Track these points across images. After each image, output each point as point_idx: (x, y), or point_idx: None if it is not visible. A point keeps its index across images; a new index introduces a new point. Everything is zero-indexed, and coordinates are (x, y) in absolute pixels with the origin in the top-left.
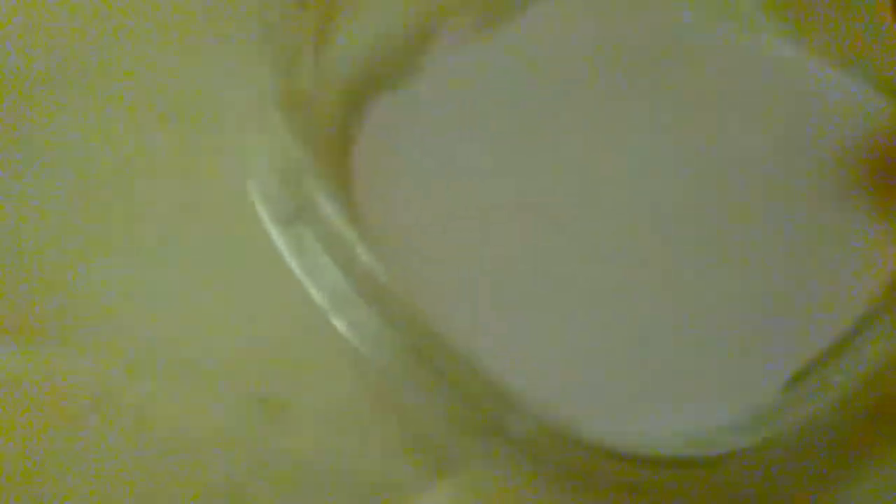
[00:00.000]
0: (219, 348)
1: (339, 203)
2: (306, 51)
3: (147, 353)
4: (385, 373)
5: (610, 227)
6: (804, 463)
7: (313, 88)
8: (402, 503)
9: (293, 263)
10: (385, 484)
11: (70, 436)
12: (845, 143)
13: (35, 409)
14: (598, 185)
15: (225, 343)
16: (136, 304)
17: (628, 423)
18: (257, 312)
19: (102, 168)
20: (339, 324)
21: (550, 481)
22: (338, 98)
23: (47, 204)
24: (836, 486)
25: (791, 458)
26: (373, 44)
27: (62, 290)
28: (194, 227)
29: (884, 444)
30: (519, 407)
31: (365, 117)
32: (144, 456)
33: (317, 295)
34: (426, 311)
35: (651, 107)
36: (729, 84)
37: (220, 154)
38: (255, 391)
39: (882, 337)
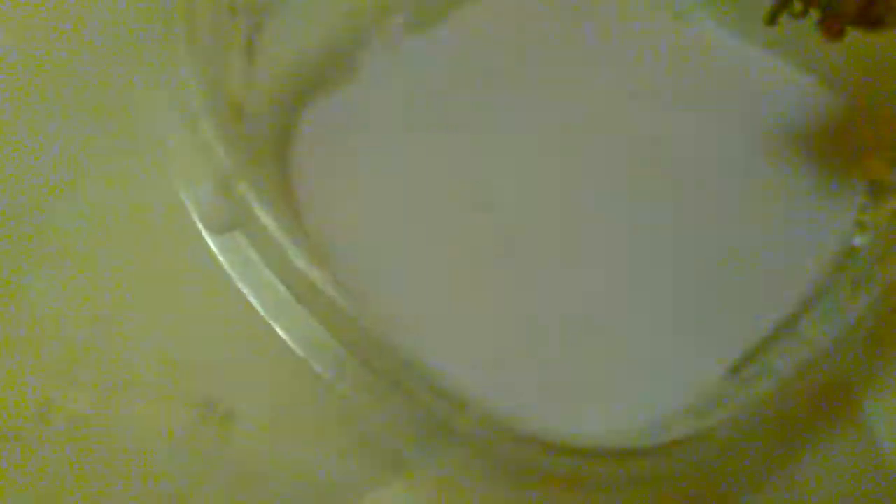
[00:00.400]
0: (159, 358)
1: (274, 209)
2: (237, 56)
3: (86, 365)
4: (329, 377)
5: (549, 218)
6: (749, 447)
7: (245, 94)
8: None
9: (231, 271)
10: (335, 486)
11: (9, 449)
12: (784, 128)
13: None
14: (536, 177)
15: (165, 353)
16: (73, 315)
17: (574, 417)
18: (197, 321)
19: (33, 178)
20: (280, 330)
21: (499, 476)
22: (272, 103)
23: None
24: (780, 468)
25: (736, 443)
26: (305, 47)
27: None
28: (130, 237)
29: (826, 426)
30: (465, 405)
31: (301, 121)
32: (86, 468)
33: (255, 301)
34: (367, 314)
35: (585, 97)
36: (664, 70)
37: (153, 164)
38: (198, 399)
39: (822, 322)
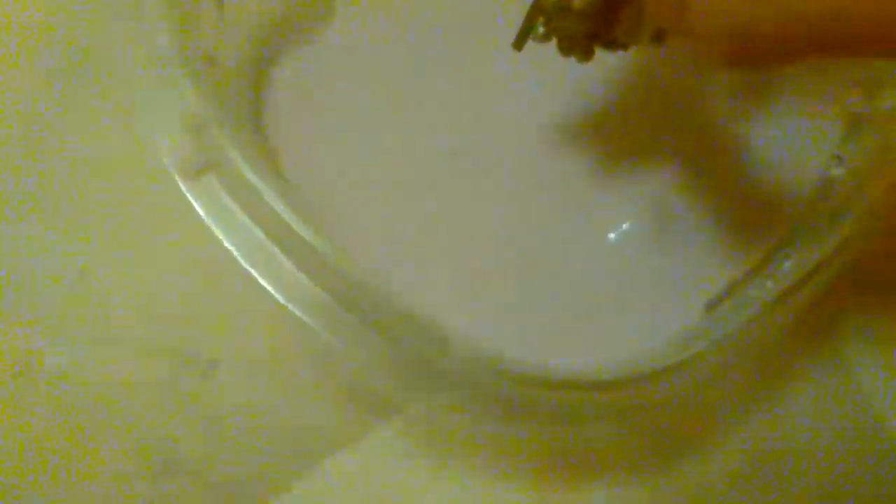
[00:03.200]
0: (139, 309)
1: (248, 154)
2: (207, 6)
3: (66, 319)
4: (309, 321)
5: (527, 161)
6: (728, 377)
7: (216, 42)
8: (342, 449)
9: (206, 217)
10: (321, 432)
11: None
12: None
13: None
14: (514, 120)
15: (145, 303)
16: (51, 269)
17: (556, 352)
18: (175, 270)
19: (3, 132)
20: (258, 275)
21: (486, 413)
22: (245, 51)
23: None
24: (760, 400)
25: (716, 373)
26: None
27: None
28: (105, 187)
29: (804, 358)
30: (448, 343)
31: (274, 69)
32: (68, 420)
33: (232, 247)
34: (345, 257)
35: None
36: None
37: (125, 111)
38: (179, 349)
39: (800, 253)
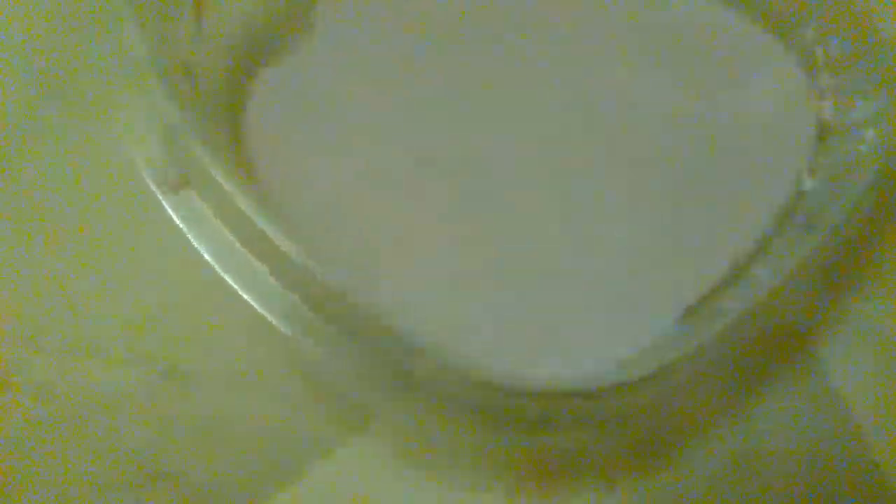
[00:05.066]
0: (119, 320)
1: (226, 165)
2: (185, 15)
3: (47, 331)
4: (287, 331)
5: (502, 169)
6: (703, 388)
7: (195, 53)
8: (321, 458)
9: (184, 228)
10: (300, 441)
11: None
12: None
13: None
14: (495, 130)
15: (125, 315)
16: (31, 282)
17: (531, 360)
18: (155, 281)
19: None
20: (237, 286)
21: (461, 422)
22: (223, 62)
23: None
24: (735, 409)
25: (690, 384)
26: (257, 7)
27: None
28: (83, 199)
29: (779, 367)
30: (424, 352)
31: (253, 81)
32: (50, 433)
33: (211, 258)
34: (322, 266)
35: (545, 54)
36: (623, 27)
37: (103, 123)
38: (160, 360)
39: (774, 264)
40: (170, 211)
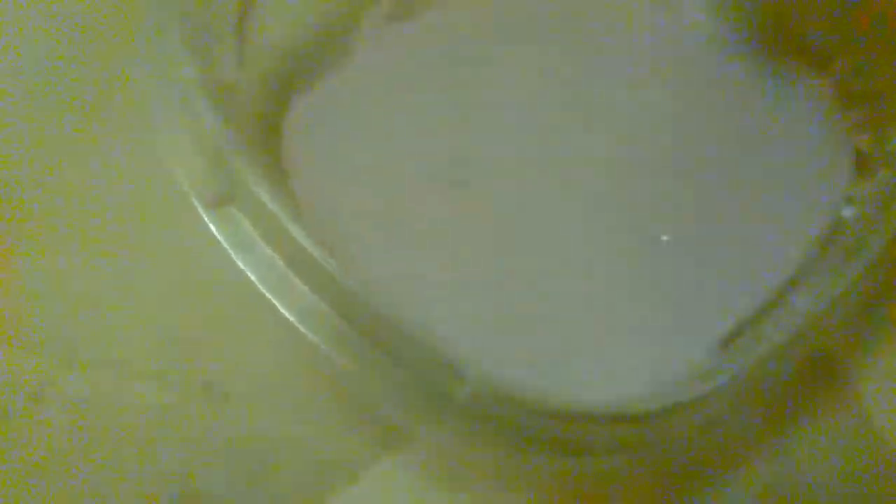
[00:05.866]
0: (157, 336)
1: (269, 183)
2: (227, 38)
3: (83, 345)
4: (326, 349)
5: (539, 192)
6: (739, 417)
7: (237, 75)
8: (353, 479)
9: (228, 246)
10: (335, 461)
11: (3, 431)
12: (773, 108)
13: None
14: (526, 152)
15: (163, 331)
16: (69, 296)
17: (569, 384)
18: (195, 298)
19: (26, 161)
20: (278, 303)
21: (498, 444)
22: (264, 84)
23: None
24: (771, 439)
25: (726, 412)
26: (296, 30)
27: None
28: (125, 216)
29: (817, 397)
30: (461, 373)
31: (293, 102)
32: (83, 448)
33: (253, 276)
34: (364, 285)
35: (572, 82)
36: (647, 49)
37: (146, 142)
38: (197, 377)
39: (813, 293)
40: (212, 227)
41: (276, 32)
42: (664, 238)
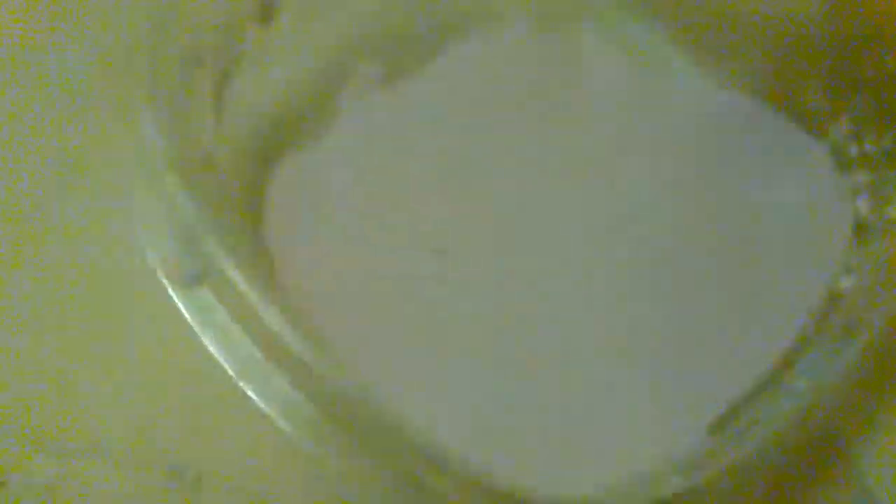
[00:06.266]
0: (126, 421)
1: (244, 264)
2: (204, 109)
3: (49, 430)
4: (300, 439)
5: (523, 264)
6: None
7: (214, 145)
8: None
9: (198, 329)
10: None
11: None
12: (764, 172)
13: None
14: (515, 227)
15: (132, 415)
16: (35, 377)
17: (553, 476)
18: (164, 381)
19: None
20: (251, 393)
21: None
22: (244, 154)
23: None
24: None
25: (725, 500)
26: (278, 99)
27: None
28: (94, 295)
29: (817, 481)
30: (445, 465)
31: (276, 173)
32: None
33: (224, 361)
34: (340, 373)
35: (560, 146)
36: (639, 117)
37: (117, 218)
38: (167, 464)
39: (810, 372)
40: (184, 311)
41: (258, 101)
42: (649, 315)
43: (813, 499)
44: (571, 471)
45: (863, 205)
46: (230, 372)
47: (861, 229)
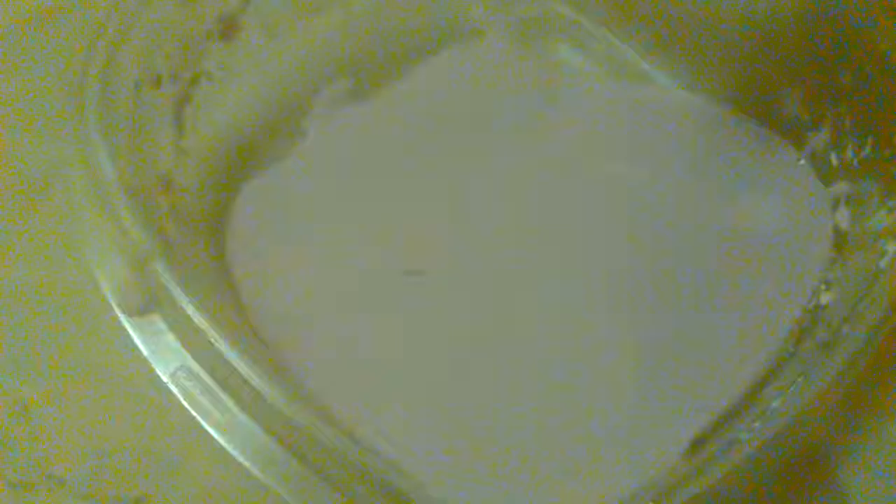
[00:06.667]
0: (81, 450)
1: (196, 289)
2: (163, 131)
3: (4, 458)
4: (256, 471)
5: (496, 286)
6: None
7: (175, 166)
8: None
9: (150, 356)
10: None
11: None
12: (744, 185)
13: None
14: (481, 243)
15: (87, 444)
16: None
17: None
18: (118, 410)
19: None
20: (203, 421)
21: None
22: (207, 174)
23: None
24: None
25: None
26: (241, 118)
27: None
28: (45, 320)
29: (800, 499)
30: (408, 497)
31: (238, 192)
32: None
33: (175, 389)
34: (297, 404)
35: (537, 159)
36: (617, 128)
37: (67, 243)
38: (123, 492)
39: (790, 389)
40: (135, 338)
41: (220, 120)
42: (625, 333)
43: None
44: (546, 497)
45: (842, 217)
46: (182, 401)
47: (841, 242)
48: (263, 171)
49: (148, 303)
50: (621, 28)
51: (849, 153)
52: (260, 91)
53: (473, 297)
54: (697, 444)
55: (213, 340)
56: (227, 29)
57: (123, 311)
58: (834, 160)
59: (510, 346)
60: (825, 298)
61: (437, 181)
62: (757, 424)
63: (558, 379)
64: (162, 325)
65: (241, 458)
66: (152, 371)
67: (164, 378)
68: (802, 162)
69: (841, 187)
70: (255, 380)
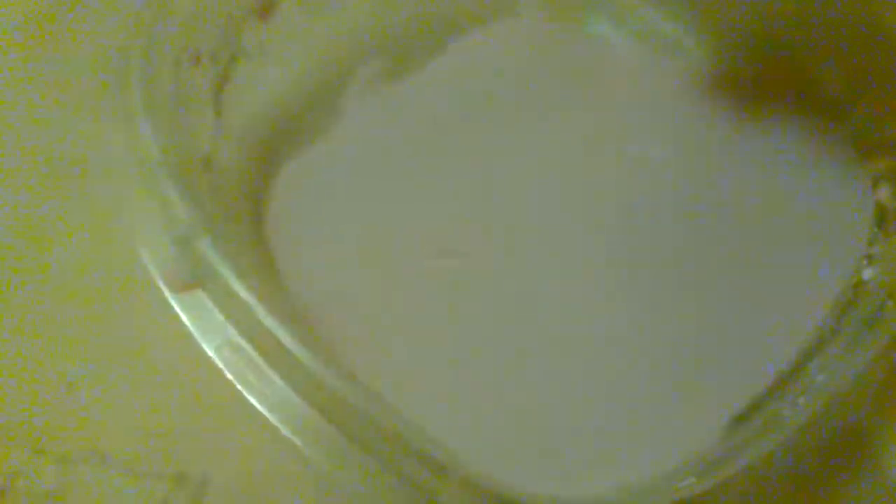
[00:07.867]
0: (127, 426)
1: (241, 265)
2: (203, 110)
3: (51, 435)
4: (301, 444)
5: (537, 263)
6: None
7: (214, 145)
8: None
9: (196, 332)
10: None
11: None
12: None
13: None
14: (521, 223)
15: (133, 420)
16: (36, 383)
17: (566, 478)
18: (164, 386)
19: None
20: (249, 396)
21: None
22: (246, 154)
23: None
24: None
25: (745, 501)
26: (279, 97)
27: None
28: (91, 299)
29: (842, 478)
30: (451, 473)
31: (277, 172)
32: None
33: (222, 364)
34: (340, 378)
35: (574, 135)
36: (653, 102)
37: (112, 221)
38: (170, 469)
39: (833, 365)
40: (181, 314)
41: (258, 100)
42: (664, 307)
43: (836, 497)
44: (587, 471)
45: (883, 193)
46: (228, 375)
47: (882, 218)
48: (302, 151)
49: (193, 278)
50: (658, 1)
51: (889, 130)
52: (297, 70)
53: (513, 276)
54: (740, 419)
55: (259, 315)
56: (265, 8)
57: (168, 288)
58: (875, 137)
59: (550, 323)
60: (867, 274)
61: (474, 159)
62: (801, 400)
63: (600, 354)
64: (207, 301)
65: (285, 432)
66: (198, 346)
67: (210, 353)
68: (843, 138)
69: (882, 163)
70: (301, 353)
